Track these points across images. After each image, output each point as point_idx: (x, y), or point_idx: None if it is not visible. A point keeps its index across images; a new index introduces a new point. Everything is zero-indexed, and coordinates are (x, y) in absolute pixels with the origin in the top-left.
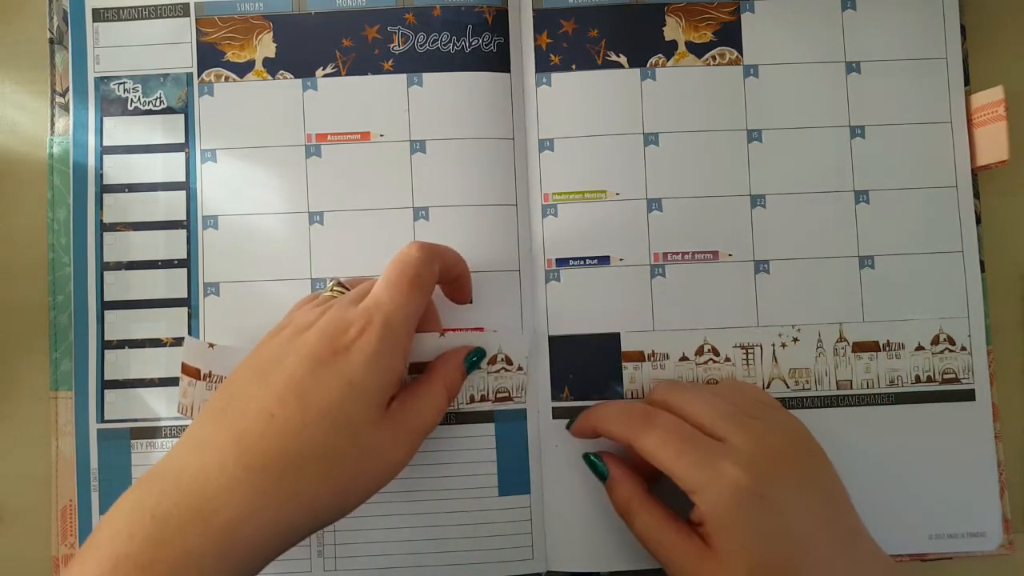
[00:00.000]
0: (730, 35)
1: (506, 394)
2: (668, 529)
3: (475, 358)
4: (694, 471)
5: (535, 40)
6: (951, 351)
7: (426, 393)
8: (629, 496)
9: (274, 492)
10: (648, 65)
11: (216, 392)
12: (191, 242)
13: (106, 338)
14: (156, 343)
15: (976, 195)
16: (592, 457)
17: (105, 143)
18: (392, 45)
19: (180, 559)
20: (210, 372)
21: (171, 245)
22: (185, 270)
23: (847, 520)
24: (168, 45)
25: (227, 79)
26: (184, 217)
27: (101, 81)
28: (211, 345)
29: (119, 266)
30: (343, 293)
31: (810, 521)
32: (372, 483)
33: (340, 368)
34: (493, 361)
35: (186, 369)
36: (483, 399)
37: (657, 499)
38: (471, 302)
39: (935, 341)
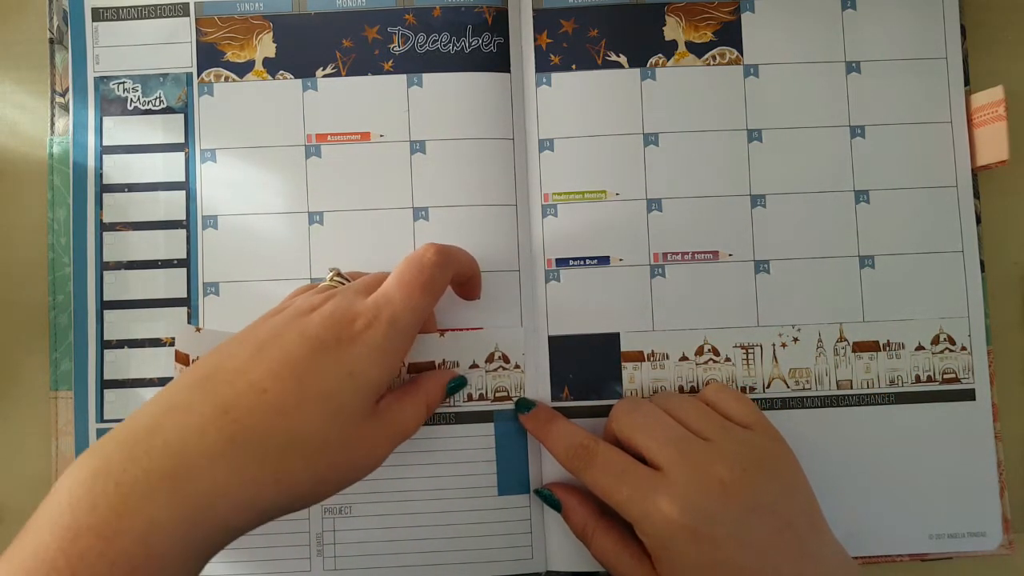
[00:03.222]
0: (730, 35)
1: (505, 393)
2: (623, 553)
3: (455, 384)
4: (629, 506)
5: (535, 40)
6: (951, 351)
7: (411, 402)
8: (584, 522)
9: (255, 470)
10: (648, 65)
11: (199, 360)
12: (191, 242)
13: (105, 338)
14: (156, 343)
15: (976, 195)
16: (544, 492)
17: (105, 143)
18: (392, 45)
19: (146, 530)
20: (198, 357)
21: (171, 245)
22: (185, 270)
23: (806, 545)
24: (168, 45)
25: (227, 79)
26: (184, 217)
27: (101, 81)
28: (198, 329)
29: (119, 266)
30: (343, 283)
31: (754, 552)
32: (349, 475)
33: (342, 357)
34: (490, 359)
35: (178, 356)
36: (482, 398)
37: (612, 522)
38: (479, 298)
39: (935, 341)
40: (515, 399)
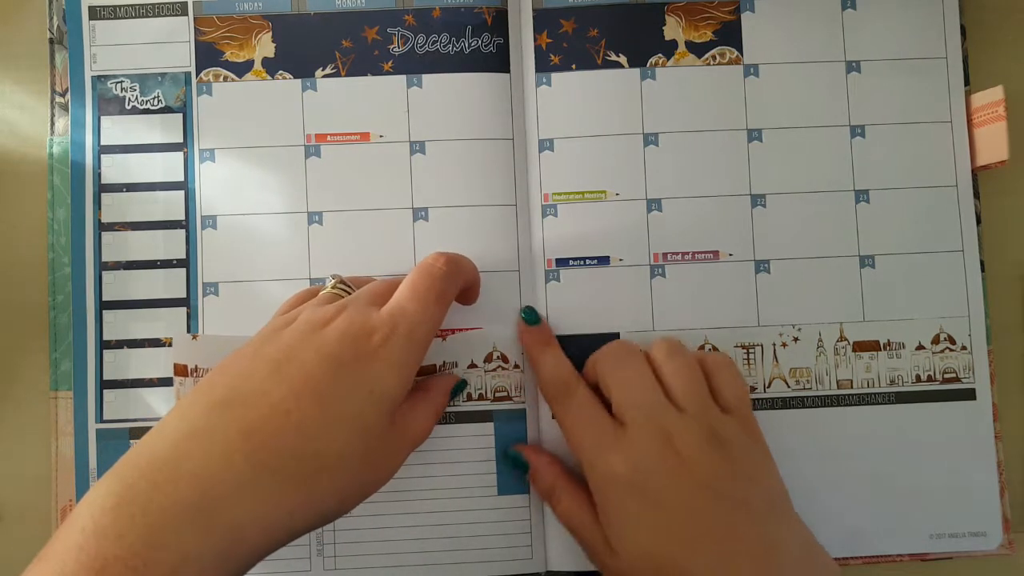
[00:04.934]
0: (730, 34)
1: (505, 393)
2: (587, 513)
3: (457, 387)
4: (584, 452)
5: (535, 40)
6: (951, 350)
7: (423, 411)
8: (552, 483)
9: (284, 495)
10: (648, 65)
11: (209, 380)
12: (190, 242)
13: (105, 338)
14: (155, 343)
15: (976, 195)
16: (511, 453)
17: (103, 142)
18: (392, 46)
19: (178, 564)
20: (196, 367)
21: (170, 245)
22: (184, 270)
23: (762, 528)
24: (166, 44)
25: (226, 79)
26: (183, 217)
27: (98, 80)
28: (195, 336)
29: (118, 266)
30: (346, 291)
31: (695, 521)
32: (370, 489)
33: (363, 375)
34: (489, 359)
35: (176, 368)
36: (481, 398)
37: (578, 484)
38: (475, 302)
39: (935, 340)
40: (523, 307)
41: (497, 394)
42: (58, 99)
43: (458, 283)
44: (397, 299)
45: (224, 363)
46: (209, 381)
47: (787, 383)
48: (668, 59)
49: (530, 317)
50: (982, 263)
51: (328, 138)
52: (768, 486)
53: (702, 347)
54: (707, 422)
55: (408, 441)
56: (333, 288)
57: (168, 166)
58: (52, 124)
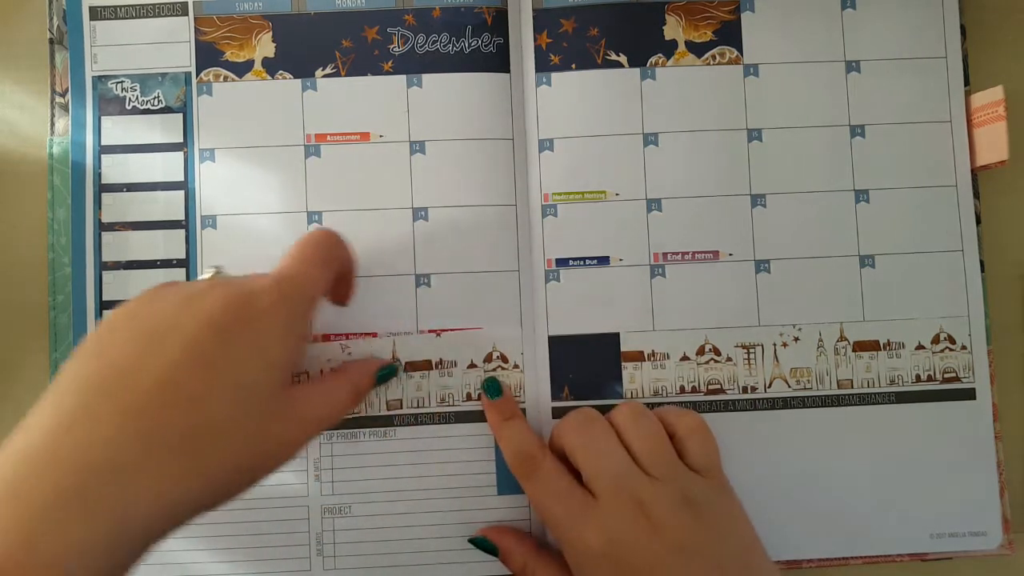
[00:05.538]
0: (730, 34)
1: None
2: None
3: (386, 372)
4: (558, 528)
5: (535, 40)
6: (951, 350)
7: (331, 388)
8: (523, 562)
9: (176, 470)
10: (648, 64)
11: (80, 358)
12: (190, 242)
13: None
14: None
15: (976, 195)
16: (478, 539)
17: (103, 142)
18: (392, 46)
19: (62, 554)
20: None
21: (170, 245)
22: (184, 270)
23: None
24: (166, 44)
25: (226, 79)
26: (183, 217)
27: (99, 80)
28: None
29: (118, 266)
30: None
31: None
32: (267, 462)
33: (248, 338)
34: (488, 359)
35: None
36: (481, 398)
37: (551, 555)
38: (347, 305)
39: (935, 340)
40: (485, 377)
41: None
42: (58, 99)
43: (342, 252)
44: (280, 266)
45: (86, 348)
46: (77, 363)
47: (787, 383)
48: (668, 59)
49: (492, 390)
50: (982, 263)
51: (328, 138)
52: (739, 542)
53: (703, 347)
54: (677, 485)
55: (308, 417)
56: (211, 278)
57: (168, 166)
58: (52, 124)
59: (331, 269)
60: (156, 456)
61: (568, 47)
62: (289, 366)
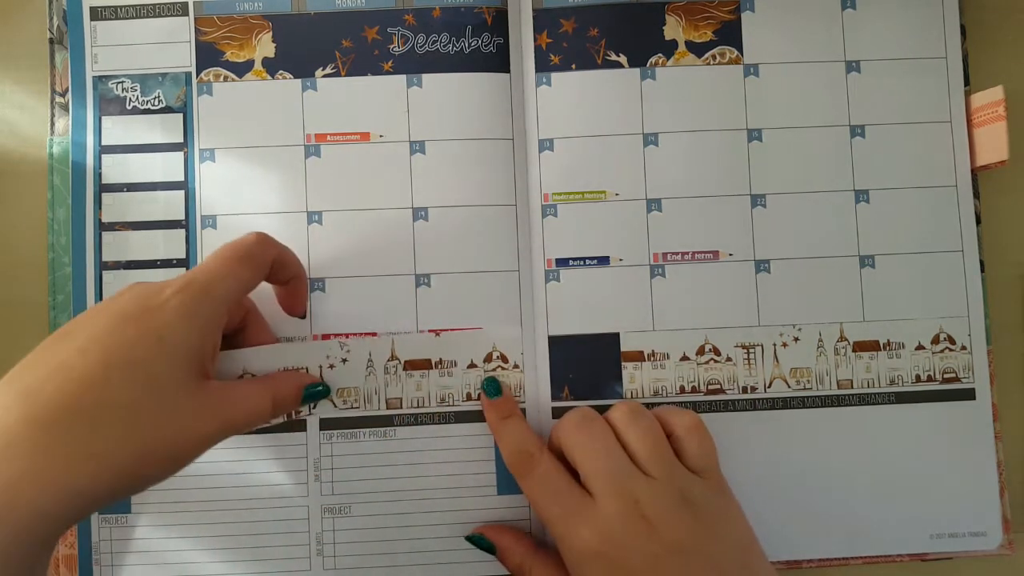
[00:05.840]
0: (730, 34)
1: None
2: None
3: (315, 391)
4: (555, 525)
5: (535, 40)
6: (951, 350)
7: (251, 393)
8: (520, 560)
9: (62, 448)
10: (648, 64)
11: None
12: (190, 242)
13: None
14: None
15: (976, 195)
16: (475, 537)
17: (104, 142)
18: (392, 46)
19: None
20: None
21: (170, 245)
22: (184, 270)
23: None
24: (167, 44)
25: (226, 79)
26: (183, 217)
27: (99, 80)
28: None
29: (118, 266)
30: None
31: None
32: (175, 452)
33: (150, 323)
34: (488, 359)
35: None
36: (480, 397)
37: (548, 553)
38: (304, 316)
39: (935, 340)
40: (484, 377)
41: None
42: (58, 99)
43: (268, 250)
44: (199, 264)
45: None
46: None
47: (787, 383)
48: (668, 59)
49: (491, 389)
50: (982, 263)
51: (328, 138)
52: (737, 541)
53: (703, 347)
54: (675, 485)
55: (222, 415)
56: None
57: (168, 166)
58: (52, 124)
59: (251, 267)
60: (41, 436)
61: (568, 47)
62: (194, 352)
